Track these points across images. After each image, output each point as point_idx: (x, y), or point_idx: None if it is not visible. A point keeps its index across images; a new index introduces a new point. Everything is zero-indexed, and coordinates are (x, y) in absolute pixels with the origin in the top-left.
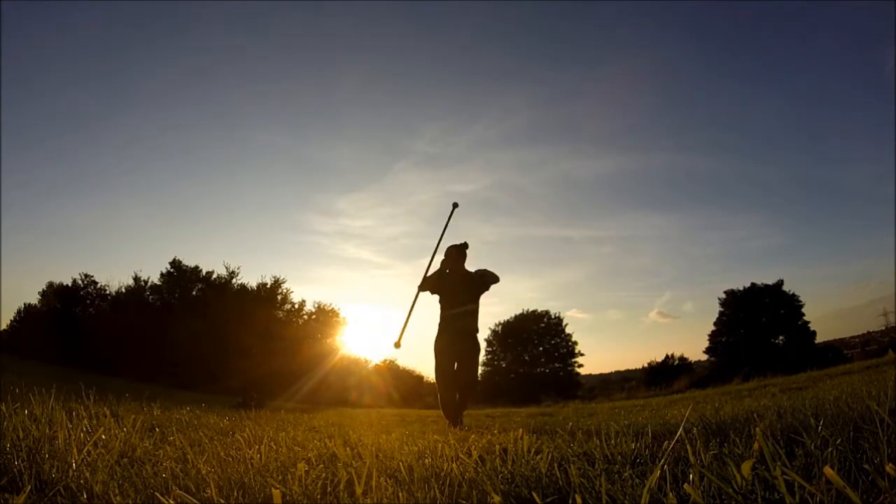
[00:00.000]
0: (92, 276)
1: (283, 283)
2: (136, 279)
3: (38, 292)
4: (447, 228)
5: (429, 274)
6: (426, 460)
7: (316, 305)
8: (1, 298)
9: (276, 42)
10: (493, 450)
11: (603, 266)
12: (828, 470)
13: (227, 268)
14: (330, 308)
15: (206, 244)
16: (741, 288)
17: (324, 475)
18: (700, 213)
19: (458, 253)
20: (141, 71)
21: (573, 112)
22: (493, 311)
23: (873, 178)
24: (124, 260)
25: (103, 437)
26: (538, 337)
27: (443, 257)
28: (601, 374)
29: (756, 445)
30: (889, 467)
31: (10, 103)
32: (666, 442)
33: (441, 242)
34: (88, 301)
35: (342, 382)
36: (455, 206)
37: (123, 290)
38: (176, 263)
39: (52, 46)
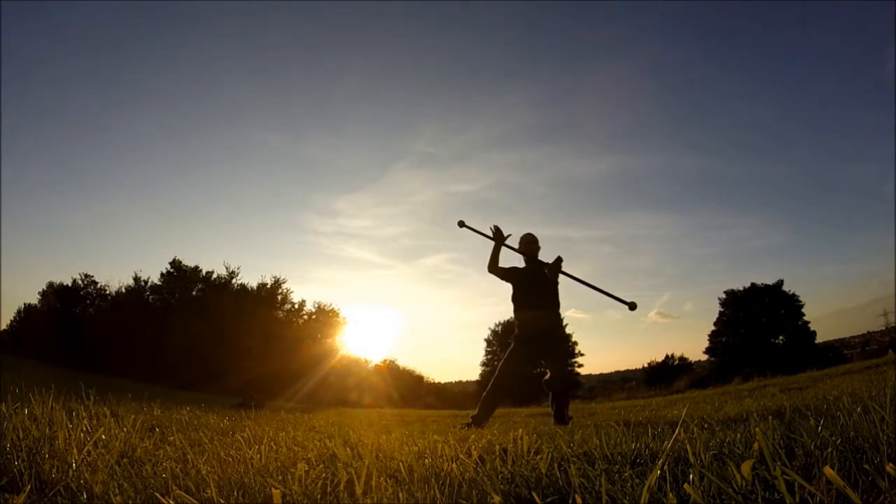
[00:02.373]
0: (92, 276)
1: (283, 283)
2: (136, 279)
3: (38, 292)
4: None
5: (496, 258)
6: (426, 460)
7: (316, 305)
8: (1, 298)
9: (275, 41)
10: (493, 450)
11: (603, 266)
12: (828, 470)
13: (227, 268)
14: (330, 308)
15: (206, 244)
16: (741, 288)
17: (324, 475)
18: (700, 213)
19: (536, 243)
20: (140, 70)
21: (573, 112)
22: (493, 310)
23: (873, 178)
24: (124, 260)
25: (103, 437)
26: None
27: (519, 243)
28: (601, 374)
29: (756, 445)
30: (889, 467)
31: (9, 102)
32: (666, 442)
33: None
34: (88, 301)
35: (342, 382)
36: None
37: (123, 290)
38: (176, 263)
39: (52, 45)
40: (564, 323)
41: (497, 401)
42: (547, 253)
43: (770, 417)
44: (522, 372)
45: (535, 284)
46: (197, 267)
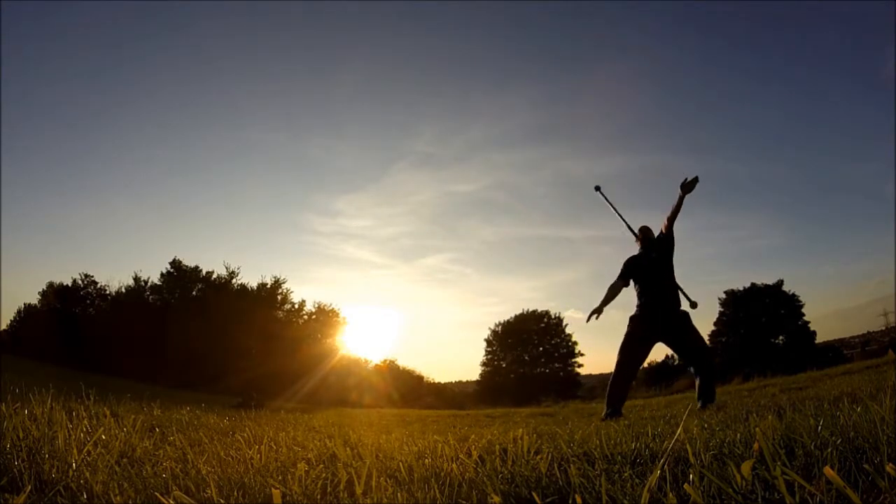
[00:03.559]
0: (92, 276)
1: (284, 283)
2: (136, 279)
3: (38, 292)
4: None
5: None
6: (426, 460)
7: (316, 305)
8: (1, 298)
9: (275, 41)
10: (493, 450)
11: (603, 266)
12: (828, 470)
13: (227, 268)
14: (330, 308)
15: (206, 244)
16: (741, 288)
17: (324, 475)
18: (700, 213)
19: (650, 231)
20: (140, 70)
21: (573, 112)
22: (493, 311)
23: (873, 178)
24: (124, 260)
25: (103, 437)
26: (538, 337)
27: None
28: (601, 374)
29: (756, 445)
30: (889, 467)
31: (9, 102)
32: (666, 441)
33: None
34: (88, 301)
35: (342, 382)
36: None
37: (123, 290)
38: (176, 263)
39: (52, 45)
40: (561, 321)
41: (618, 387)
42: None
43: (770, 417)
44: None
45: (650, 265)
46: (197, 267)
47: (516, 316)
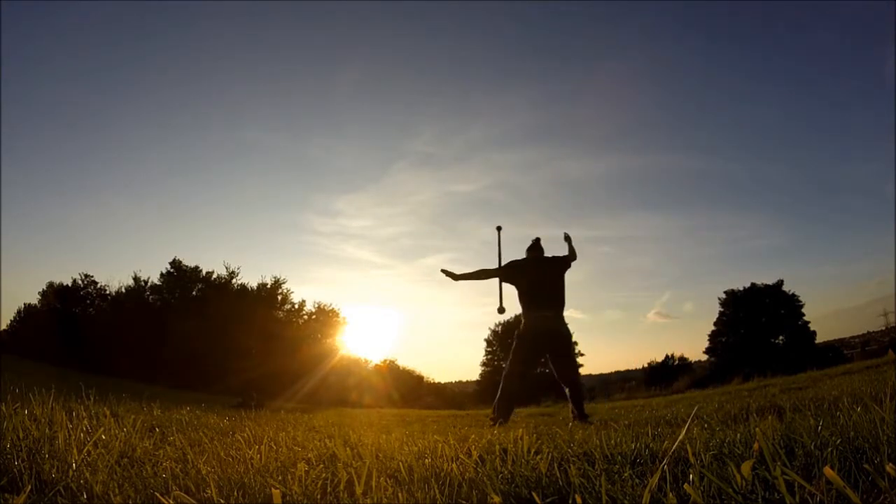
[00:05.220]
0: (92, 276)
1: (284, 283)
2: (136, 279)
3: (38, 292)
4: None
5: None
6: (426, 460)
7: (316, 305)
8: (1, 298)
9: (275, 41)
10: (493, 450)
11: (603, 266)
12: (828, 470)
13: (227, 268)
14: (330, 308)
15: (206, 244)
16: (741, 288)
17: (324, 475)
18: (700, 213)
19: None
20: (139, 70)
21: (573, 112)
22: (493, 311)
23: (873, 178)
24: (124, 260)
25: (103, 437)
26: None
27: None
28: (601, 374)
29: (756, 446)
30: (889, 467)
31: (9, 102)
32: (666, 442)
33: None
34: (88, 301)
35: (342, 382)
36: (499, 229)
37: (123, 290)
38: (176, 263)
39: (51, 44)
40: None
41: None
42: (546, 252)
43: (770, 417)
44: (525, 371)
45: (541, 280)
46: (197, 267)
47: (516, 316)
